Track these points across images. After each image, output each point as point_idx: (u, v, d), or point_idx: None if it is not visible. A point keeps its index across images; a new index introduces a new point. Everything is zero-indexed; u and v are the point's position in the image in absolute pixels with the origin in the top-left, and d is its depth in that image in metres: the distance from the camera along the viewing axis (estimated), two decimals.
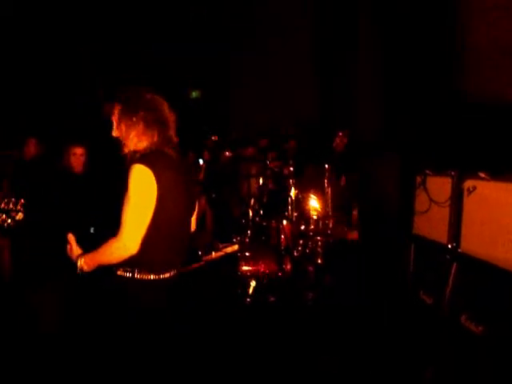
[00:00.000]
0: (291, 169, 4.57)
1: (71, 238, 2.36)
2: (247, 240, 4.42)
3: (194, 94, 10.96)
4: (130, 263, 2.20)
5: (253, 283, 4.21)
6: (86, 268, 2.27)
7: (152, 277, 2.25)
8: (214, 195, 5.70)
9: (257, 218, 4.73)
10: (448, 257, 4.07)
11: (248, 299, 4.20)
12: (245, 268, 4.23)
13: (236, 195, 5.28)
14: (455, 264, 4.00)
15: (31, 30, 8.97)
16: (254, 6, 10.13)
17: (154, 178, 2.14)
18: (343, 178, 5.30)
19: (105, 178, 4.50)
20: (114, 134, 2.34)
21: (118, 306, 2.31)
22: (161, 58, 9.92)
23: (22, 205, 2.40)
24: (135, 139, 2.27)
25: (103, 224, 3.32)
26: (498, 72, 4.75)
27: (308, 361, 3.40)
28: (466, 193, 3.94)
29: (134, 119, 2.26)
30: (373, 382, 3.24)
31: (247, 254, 4.26)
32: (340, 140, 5.72)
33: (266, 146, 6.73)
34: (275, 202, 4.85)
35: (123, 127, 2.29)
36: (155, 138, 2.27)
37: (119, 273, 2.26)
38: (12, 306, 4.03)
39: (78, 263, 2.28)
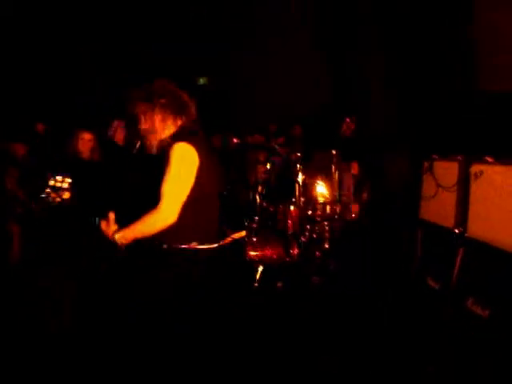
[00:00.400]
0: (298, 154, 4.59)
1: (111, 215, 2.44)
2: (254, 225, 4.42)
3: (202, 81, 10.96)
4: (173, 236, 2.32)
5: (260, 268, 4.21)
6: (123, 241, 2.38)
7: (196, 247, 2.36)
8: None
9: (264, 204, 4.75)
10: (455, 241, 4.09)
11: (255, 284, 4.20)
12: (252, 253, 4.22)
13: (243, 181, 5.29)
14: (462, 248, 4.01)
15: (31, 29, 8.98)
16: (254, 5, 10.19)
17: (196, 153, 2.30)
18: (355, 166, 5.31)
19: (113, 167, 4.48)
20: (143, 126, 2.47)
21: (165, 278, 2.39)
22: (161, 58, 9.92)
23: (70, 184, 2.45)
24: (163, 126, 2.43)
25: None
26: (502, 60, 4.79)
27: (308, 360, 3.38)
28: (472, 177, 3.95)
29: (157, 108, 2.41)
30: (373, 381, 3.22)
31: (254, 239, 4.26)
32: (347, 126, 5.74)
33: (273, 132, 6.76)
34: (282, 188, 4.87)
35: (149, 119, 2.44)
36: (181, 121, 2.45)
37: (164, 246, 2.35)
38: (18, 292, 4.00)
39: (116, 238, 2.38)
